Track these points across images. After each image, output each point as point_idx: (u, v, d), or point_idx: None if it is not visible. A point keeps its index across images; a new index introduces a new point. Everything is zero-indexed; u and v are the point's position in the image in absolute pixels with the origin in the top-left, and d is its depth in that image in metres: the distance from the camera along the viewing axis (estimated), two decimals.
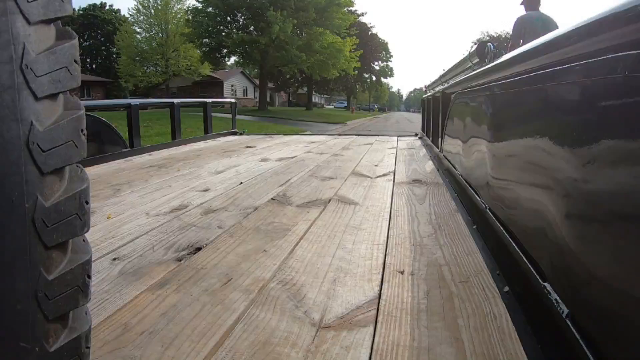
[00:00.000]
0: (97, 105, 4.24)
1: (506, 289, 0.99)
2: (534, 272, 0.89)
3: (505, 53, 1.70)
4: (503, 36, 41.07)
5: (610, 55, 0.65)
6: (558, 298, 0.77)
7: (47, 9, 0.46)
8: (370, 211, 1.71)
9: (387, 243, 1.32)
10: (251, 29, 25.12)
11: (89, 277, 0.53)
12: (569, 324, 0.70)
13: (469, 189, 1.77)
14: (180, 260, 1.20)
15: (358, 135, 5.78)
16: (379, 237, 1.39)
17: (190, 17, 26.03)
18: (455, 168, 2.28)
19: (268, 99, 34.56)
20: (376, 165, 2.91)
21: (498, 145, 1.37)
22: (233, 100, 6.17)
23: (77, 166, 0.51)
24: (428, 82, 5.64)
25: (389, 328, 0.83)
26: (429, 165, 2.95)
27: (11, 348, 0.45)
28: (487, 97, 1.59)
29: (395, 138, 5.21)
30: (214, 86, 37.62)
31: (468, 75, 2.23)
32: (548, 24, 4.43)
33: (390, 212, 1.68)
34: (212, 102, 5.20)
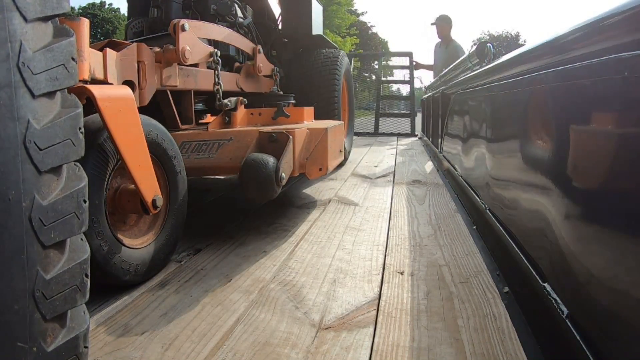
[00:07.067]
0: None
1: (506, 289, 0.99)
2: (534, 273, 0.89)
3: (505, 53, 1.70)
4: (504, 36, 41.11)
5: (610, 56, 0.64)
6: (558, 298, 0.77)
7: (44, 6, 0.46)
8: (370, 212, 1.70)
9: (387, 244, 1.32)
10: None
11: (87, 276, 0.53)
12: (569, 324, 0.70)
13: (469, 189, 1.76)
14: (180, 262, 1.20)
15: (357, 135, 5.77)
16: (378, 237, 1.38)
17: None
18: (455, 168, 2.28)
19: None
20: (376, 166, 2.91)
21: (498, 146, 1.36)
22: None
23: (74, 164, 0.51)
24: (427, 83, 5.68)
25: (388, 329, 0.83)
26: (429, 166, 2.95)
27: (8, 348, 0.45)
28: (486, 97, 1.59)
29: (394, 138, 5.21)
30: None
31: (468, 76, 2.23)
32: None
33: (390, 213, 1.68)
34: None
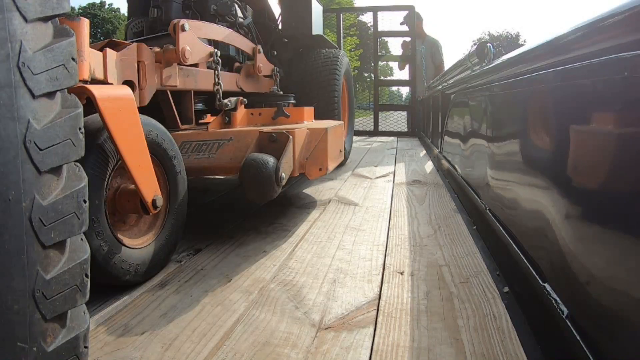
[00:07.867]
0: None
1: (506, 289, 0.99)
2: (534, 273, 0.89)
3: (505, 53, 1.70)
4: (504, 36, 41.09)
5: (610, 56, 0.64)
6: (558, 298, 0.77)
7: (44, 6, 0.46)
8: (370, 212, 1.70)
9: (387, 244, 1.32)
10: None
11: (87, 276, 0.53)
12: (569, 324, 0.70)
13: (469, 189, 1.76)
14: (180, 262, 1.20)
15: (356, 134, 5.75)
16: (378, 237, 1.38)
17: None
18: (454, 168, 2.28)
19: None
20: (376, 166, 2.91)
21: (498, 146, 1.36)
22: None
23: (75, 165, 0.51)
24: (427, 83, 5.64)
25: (388, 329, 0.83)
26: (429, 166, 2.95)
27: (9, 348, 0.45)
28: (486, 97, 1.59)
29: (394, 138, 5.21)
30: None
31: (468, 76, 2.22)
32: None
33: (390, 213, 1.68)
34: None
